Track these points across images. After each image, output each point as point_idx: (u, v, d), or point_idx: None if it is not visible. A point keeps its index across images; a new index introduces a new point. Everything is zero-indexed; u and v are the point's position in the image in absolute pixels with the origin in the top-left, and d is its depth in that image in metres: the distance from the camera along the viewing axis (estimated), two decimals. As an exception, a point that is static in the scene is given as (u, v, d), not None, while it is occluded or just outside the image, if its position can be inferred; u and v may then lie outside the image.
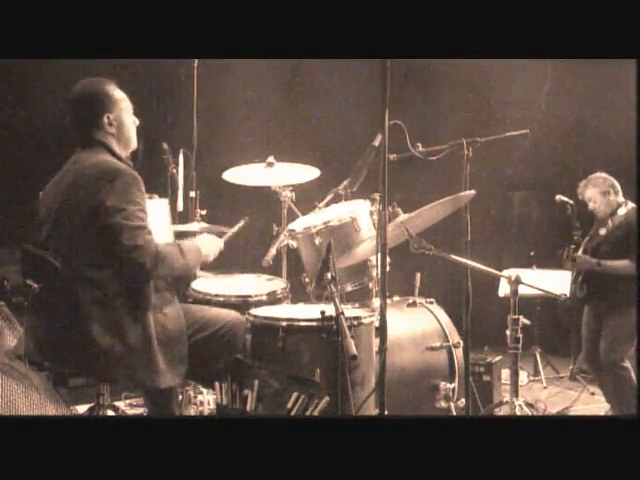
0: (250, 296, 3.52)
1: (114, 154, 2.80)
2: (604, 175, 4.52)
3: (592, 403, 4.96)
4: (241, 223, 3.58)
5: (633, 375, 4.23)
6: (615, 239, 4.36)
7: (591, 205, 4.53)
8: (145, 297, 2.72)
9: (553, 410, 4.67)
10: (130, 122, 2.88)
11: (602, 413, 4.60)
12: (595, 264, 4.34)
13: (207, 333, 2.90)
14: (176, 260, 2.76)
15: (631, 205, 4.40)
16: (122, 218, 2.62)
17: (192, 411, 3.66)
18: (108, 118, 2.81)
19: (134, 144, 2.92)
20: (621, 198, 4.45)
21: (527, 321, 3.55)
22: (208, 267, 3.34)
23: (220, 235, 3.26)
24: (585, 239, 4.59)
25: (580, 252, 4.47)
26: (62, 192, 2.74)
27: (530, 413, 3.50)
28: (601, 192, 4.46)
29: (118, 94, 2.86)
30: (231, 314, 3.02)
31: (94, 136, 2.80)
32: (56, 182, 2.82)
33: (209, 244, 3.00)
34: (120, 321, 2.66)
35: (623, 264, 4.24)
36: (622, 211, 4.41)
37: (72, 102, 2.85)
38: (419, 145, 3.42)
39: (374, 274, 3.57)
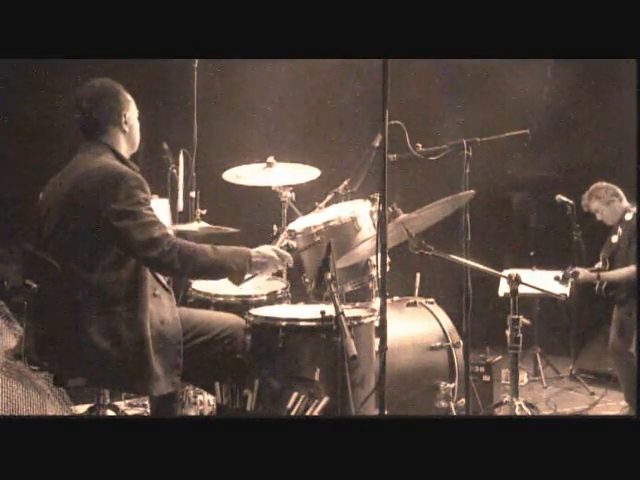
0: (250, 296, 3.52)
1: (118, 155, 2.80)
2: (605, 184, 4.56)
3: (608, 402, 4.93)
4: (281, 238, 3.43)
5: None
6: (627, 244, 4.38)
7: (598, 216, 4.57)
8: (143, 303, 2.71)
9: (559, 410, 4.67)
10: (137, 124, 2.92)
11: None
12: (595, 277, 4.39)
13: (207, 337, 2.89)
14: (202, 255, 2.69)
15: (635, 209, 4.42)
16: (132, 219, 2.63)
17: (192, 411, 3.66)
18: (125, 116, 2.83)
19: (137, 147, 2.95)
20: (625, 203, 4.48)
21: (527, 321, 3.55)
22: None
23: (220, 234, 3.25)
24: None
25: (600, 264, 4.50)
26: (64, 194, 2.72)
27: (530, 413, 3.50)
28: (605, 202, 4.51)
29: (129, 96, 2.89)
30: (231, 318, 3.00)
31: (100, 136, 2.80)
32: (57, 183, 2.81)
33: (264, 251, 2.89)
34: (117, 326, 2.65)
35: (625, 271, 4.27)
36: (629, 216, 4.44)
37: (90, 99, 2.82)
38: (419, 145, 3.42)
39: (374, 274, 3.58)
